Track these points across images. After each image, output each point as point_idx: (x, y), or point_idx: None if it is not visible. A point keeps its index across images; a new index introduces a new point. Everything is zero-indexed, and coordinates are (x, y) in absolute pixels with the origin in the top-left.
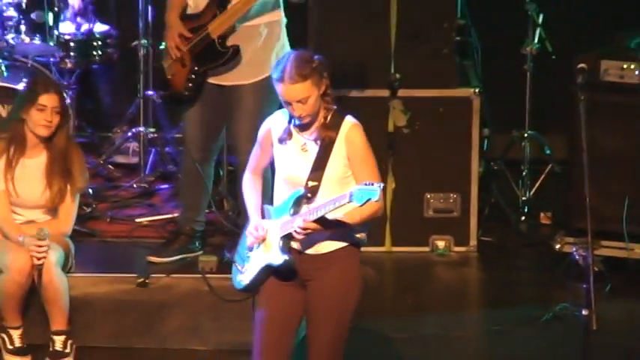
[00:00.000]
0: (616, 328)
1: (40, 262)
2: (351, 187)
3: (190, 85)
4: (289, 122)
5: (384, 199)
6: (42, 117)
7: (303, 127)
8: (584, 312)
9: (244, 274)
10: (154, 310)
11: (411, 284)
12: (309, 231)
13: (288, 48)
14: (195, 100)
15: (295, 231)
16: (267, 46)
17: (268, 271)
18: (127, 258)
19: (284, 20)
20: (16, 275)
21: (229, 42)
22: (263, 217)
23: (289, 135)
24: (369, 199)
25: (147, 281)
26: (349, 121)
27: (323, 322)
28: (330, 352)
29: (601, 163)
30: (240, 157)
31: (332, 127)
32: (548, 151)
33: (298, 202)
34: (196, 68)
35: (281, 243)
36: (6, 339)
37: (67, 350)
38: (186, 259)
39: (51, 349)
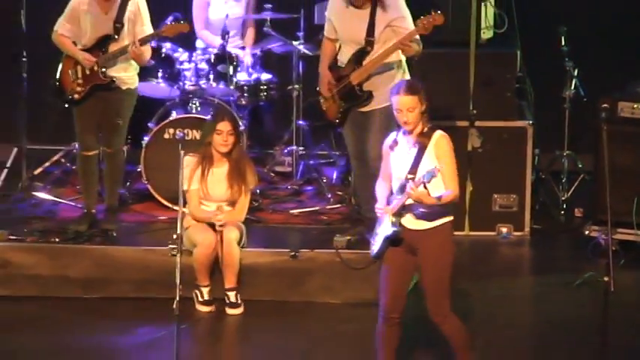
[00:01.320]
0: (627, 290)
1: (221, 228)
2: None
3: (340, 116)
4: (397, 135)
5: (463, 199)
6: (220, 139)
7: (406, 133)
8: (605, 279)
9: (375, 245)
10: (302, 275)
11: (482, 258)
12: (415, 193)
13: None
14: (343, 125)
15: (411, 189)
16: (391, 80)
17: (387, 242)
18: (283, 238)
19: (403, 59)
20: (205, 249)
21: (365, 87)
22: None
23: (396, 143)
24: (432, 176)
25: (297, 254)
26: (439, 132)
27: (432, 275)
28: (440, 293)
29: (617, 174)
30: (370, 163)
31: (426, 136)
32: (580, 165)
33: (403, 189)
34: (344, 104)
35: (393, 219)
36: (198, 294)
37: (239, 302)
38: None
39: (227, 301)
